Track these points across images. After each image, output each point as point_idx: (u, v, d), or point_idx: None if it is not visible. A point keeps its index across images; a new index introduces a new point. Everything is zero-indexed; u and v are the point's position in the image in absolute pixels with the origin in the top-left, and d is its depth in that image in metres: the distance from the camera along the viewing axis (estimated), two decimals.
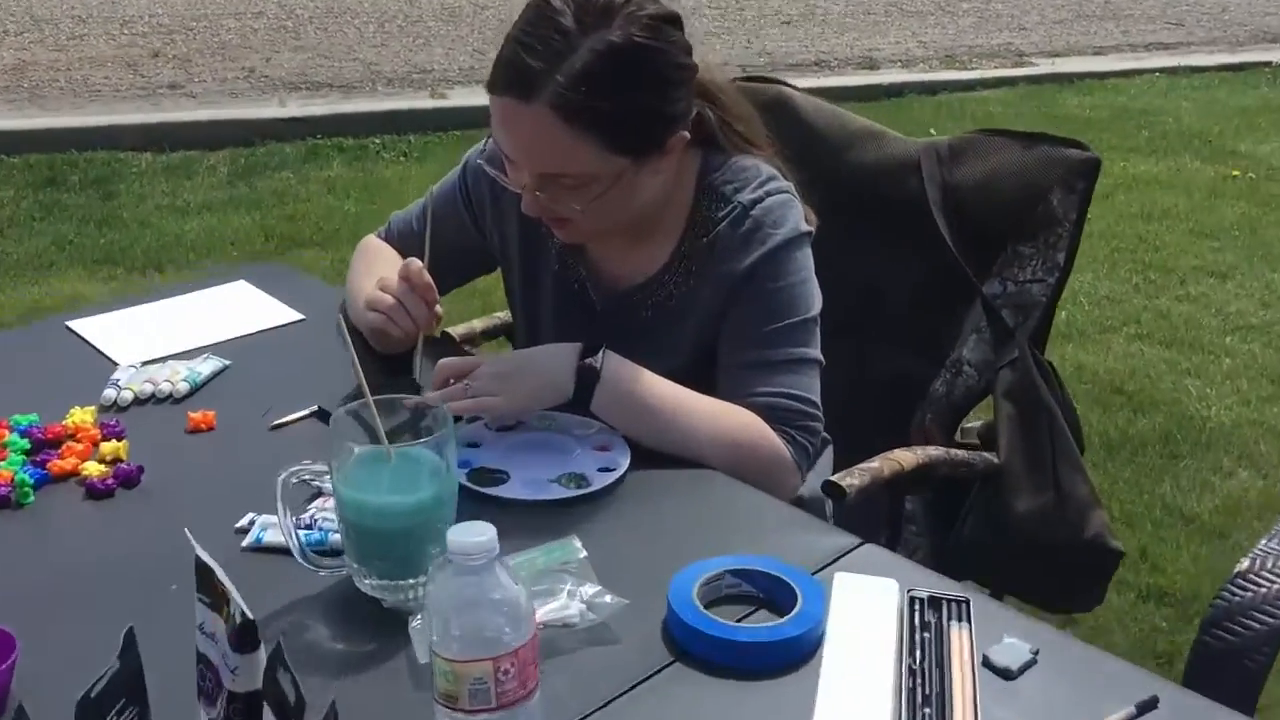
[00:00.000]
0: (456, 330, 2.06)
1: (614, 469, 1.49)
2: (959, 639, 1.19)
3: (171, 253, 4.49)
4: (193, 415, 1.58)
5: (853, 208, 1.88)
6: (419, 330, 1.62)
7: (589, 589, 1.24)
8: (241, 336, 1.82)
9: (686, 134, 1.57)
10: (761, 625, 1.20)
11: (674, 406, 1.54)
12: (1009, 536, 1.88)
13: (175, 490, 1.46)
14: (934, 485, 1.92)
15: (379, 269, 1.72)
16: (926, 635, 1.20)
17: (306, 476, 1.26)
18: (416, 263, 1.59)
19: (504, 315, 2.06)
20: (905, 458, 1.75)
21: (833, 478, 1.66)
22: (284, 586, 1.27)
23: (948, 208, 1.88)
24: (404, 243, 1.82)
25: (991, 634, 1.19)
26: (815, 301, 1.63)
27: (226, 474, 1.50)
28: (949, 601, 1.23)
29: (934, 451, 1.80)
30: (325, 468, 1.24)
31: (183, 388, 1.66)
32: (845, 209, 1.81)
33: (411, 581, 1.24)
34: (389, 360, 1.66)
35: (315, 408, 1.61)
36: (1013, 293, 1.84)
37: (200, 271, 4.05)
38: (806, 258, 1.64)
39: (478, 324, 2.11)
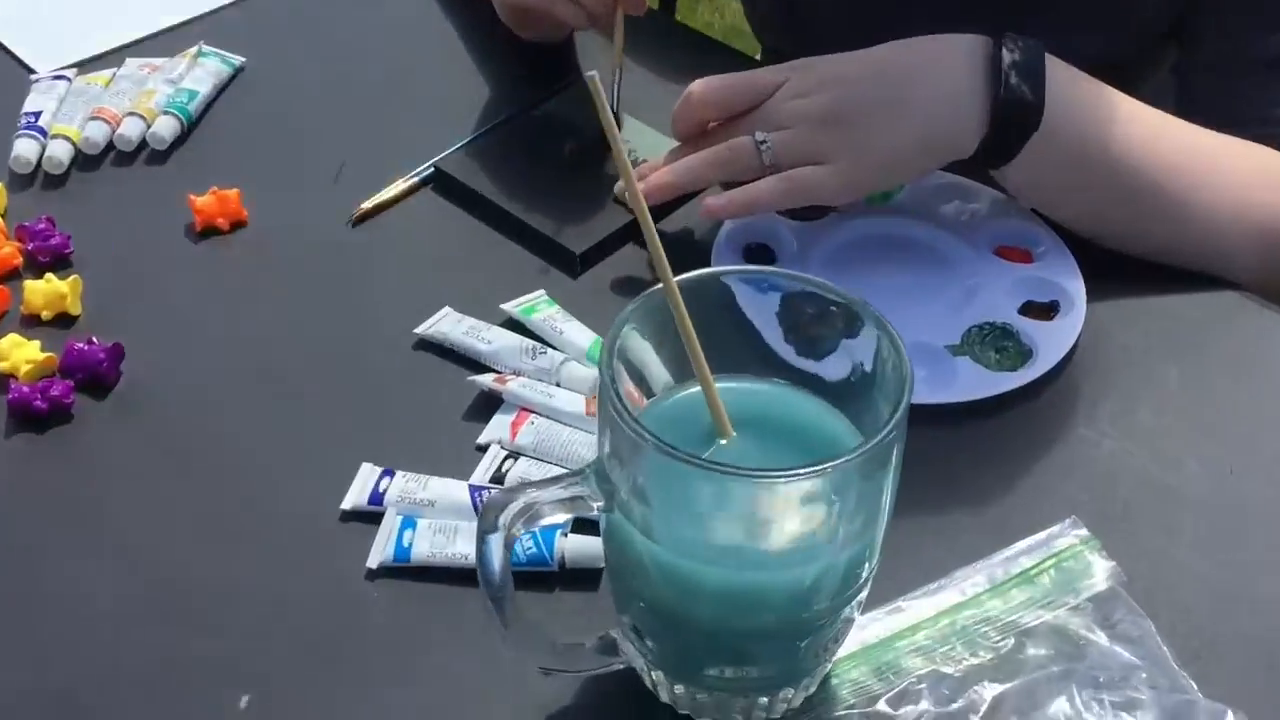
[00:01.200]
0: None
1: (1058, 305, 0.75)
2: None
3: None
4: (198, 198, 0.81)
5: None
6: (614, 5, 0.83)
7: (1196, 707, 0.54)
8: None
9: None
10: None
11: (1169, 163, 0.76)
12: None
13: (183, 401, 0.72)
14: None
15: None
16: None
17: (547, 499, 0.51)
18: None
19: None
20: None
21: None
22: (472, 653, 0.57)
23: None
24: None
25: None
26: None
27: (288, 351, 0.76)
28: None
29: None
30: (578, 483, 0.50)
31: (166, 130, 0.87)
32: None
33: (783, 694, 0.54)
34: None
35: (430, 167, 0.84)
36: None
37: None
38: None
39: None
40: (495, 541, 0.48)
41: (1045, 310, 0.75)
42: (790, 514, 0.47)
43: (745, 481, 0.46)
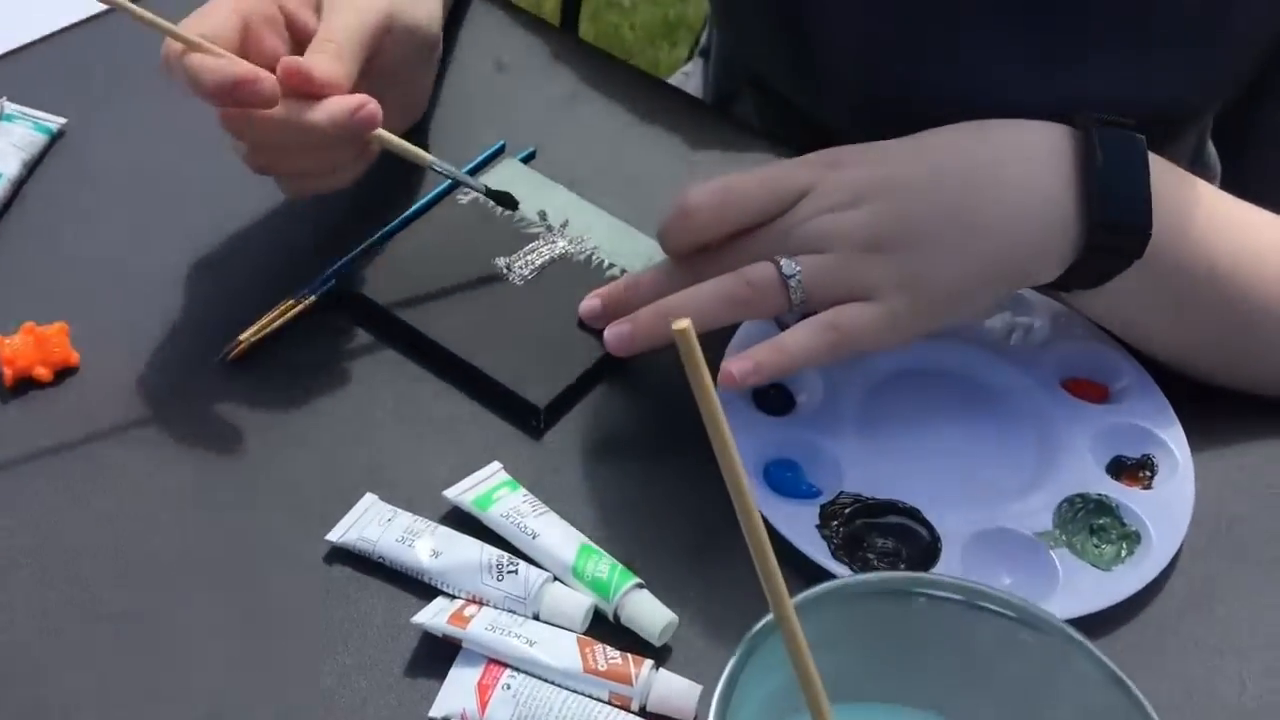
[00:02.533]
0: None
1: (1153, 461, 0.59)
2: None
3: None
4: (6, 340, 0.59)
5: None
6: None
7: None
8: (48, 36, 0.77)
9: None
10: None
11: (1258, 270, 0.60)
12: None
13: None
14: None
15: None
16: None
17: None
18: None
19: None
20: None
21: None
22: None
23: None
24: None
25: None
26: None
27: (144, 574, 0.54)
28: None
29: None
30: None
31: None
32: None
33: None
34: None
35: (319, 287, 0.63)
36: None
37: None
38: None
39: None
40: None
41: (1139, 469, 0.59)
42: None
43: None
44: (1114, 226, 0.54)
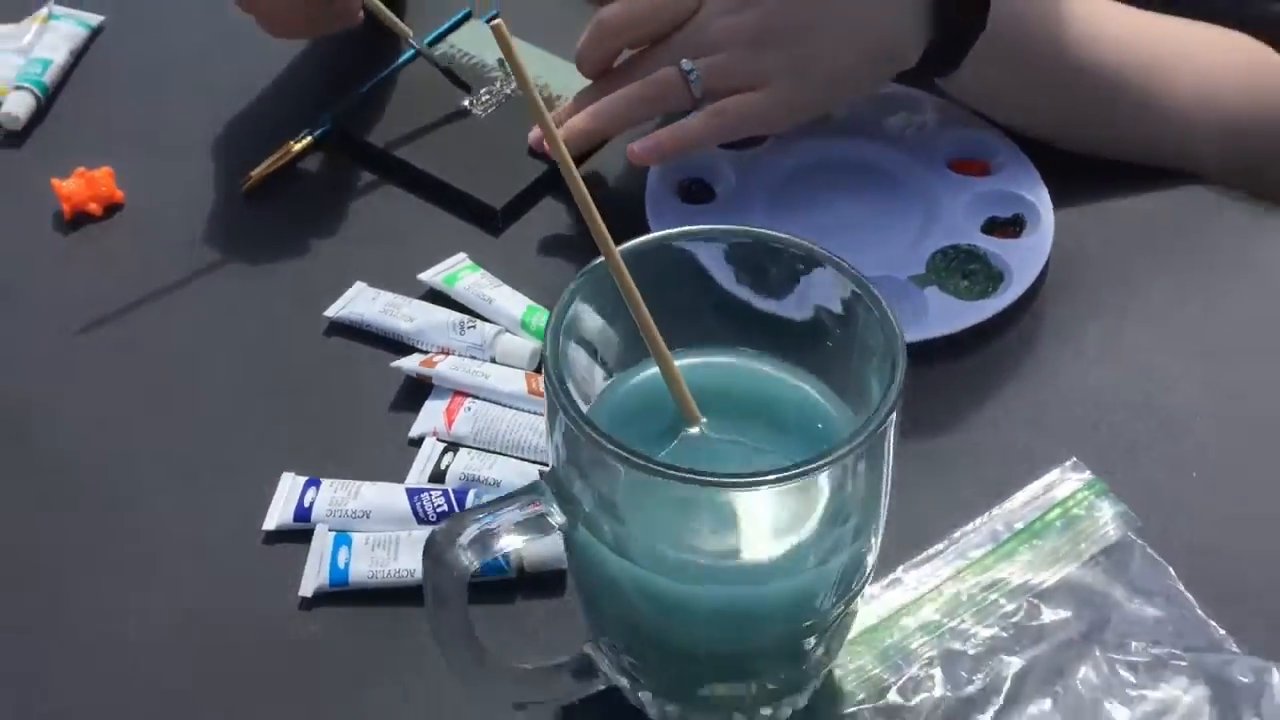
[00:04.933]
0: None
1: (1023, 219, 0.69)
2: None
3: None
4: (63, 183, 0.72)
5: None
6: None
7: (1235, 664, 0.49)
8: None
9: None
10: None
11: (1131, 53, 0.70)
12: None
13: (67, 419, 0.64)
14: None
15: None
16: None
17: (502, 522, 0.44)
18: None
19: None
20: None
21: None
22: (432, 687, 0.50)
23: None
24: None
25: None
26: None
27: (184, 349, 0.67)
28: None
29: None
30: (536, 501, 0.43)
31: (19, 107, 0.77)
32: None
33: (786, 699, 0.48)
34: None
35: (319, 130, 0.76)
36: None
37: None
38: None
39: None
40: (449, 586, 0.41)
41: (1010, 226, 0.69)
42: (783, 517, 0.41)
43: (728, 490, 0.39)
44: (954, 3, 0.64)
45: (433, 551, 0.42)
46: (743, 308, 0.47)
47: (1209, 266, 0.68)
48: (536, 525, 0.42)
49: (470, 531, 0.41)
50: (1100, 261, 0.68)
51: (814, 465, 0.39)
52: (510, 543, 0.42)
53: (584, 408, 0.42)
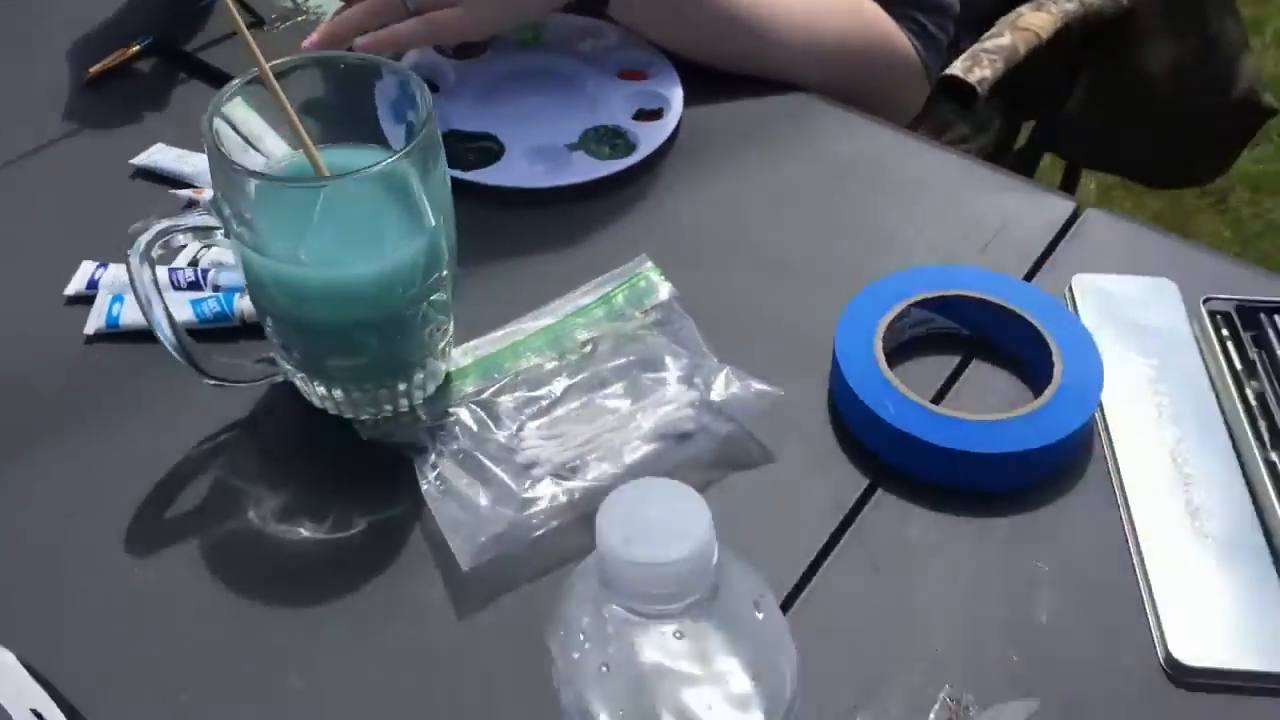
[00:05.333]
0: None
1: (663, 110, 0.93)
2: None
3: None
4: None
5: None
6: None
7: (706, 368, 0.73)
8: None
9: None
10: (1025, 413, 0.70)
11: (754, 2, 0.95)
12: (1135, 101, 1.41)
13: None
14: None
15: None
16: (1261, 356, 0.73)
17: (181, 225, 0.67)
18: None
19: None
20: (1038, 21, 1.20)
21: (953, 70, 1.12)
22: (177, 400, 0.73)
23: None
24: None
25: None
26: None
27: (18, 190, 0.91)
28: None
29: (1068, 4, 1.25)
30: (209, 216, 0.66)
31: None
32: None
33: (400, 387, 0.71)
34: None
35: (148, 39, 0.99)
36: None
37: None
38: None
39: None
40: (149, 285, 0.64)
41: (653, 115, 0.93)
42: (360, 210, 0.64)
43: (316, 187, 0.63)
44: None
45: (133, 258, 0.64)
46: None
47: (796, 149, 0.92)
48: (204, 235, 0.66)
49: (154, 230, 0.64)
50: (716, 144, 0.92)
51: (374, 166, 0.61)
52: (186, 242, 0.65)
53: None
